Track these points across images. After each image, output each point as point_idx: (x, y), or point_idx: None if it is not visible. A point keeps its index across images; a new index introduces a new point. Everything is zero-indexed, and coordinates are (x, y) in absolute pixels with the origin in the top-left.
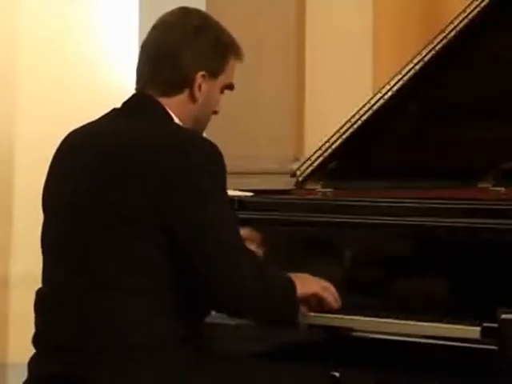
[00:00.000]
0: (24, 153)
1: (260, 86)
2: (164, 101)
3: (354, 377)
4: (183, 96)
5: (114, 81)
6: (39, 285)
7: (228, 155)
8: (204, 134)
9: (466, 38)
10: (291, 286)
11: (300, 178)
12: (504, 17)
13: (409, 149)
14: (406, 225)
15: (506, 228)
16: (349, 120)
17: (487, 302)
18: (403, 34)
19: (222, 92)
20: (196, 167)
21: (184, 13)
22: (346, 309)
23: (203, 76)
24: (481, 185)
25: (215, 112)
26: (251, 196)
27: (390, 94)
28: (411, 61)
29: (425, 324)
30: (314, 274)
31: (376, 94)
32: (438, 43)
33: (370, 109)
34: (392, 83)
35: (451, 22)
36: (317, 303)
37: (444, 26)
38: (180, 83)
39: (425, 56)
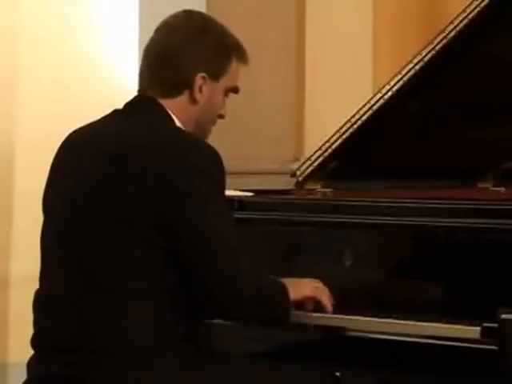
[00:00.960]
0: (24, 153)
1: (260, 86)
2: (165, 102)
3: (354, 377)
4: (184, 98)
5: (113, 81)
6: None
7: (228, 155)
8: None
9: (466, 38)
10: (284, 289)
11: (300, 178)
12: (504, 17)
13: (409, 149)
14: (406, 225)
15: (506, 228)
16: (349, 120)
17: (487, 302)
18: (403, 34)
19: (226, 95)
20: (196, 170)
21: (187, 15)
22: (345, 309)
23: (203, 77)
24: (481, 185)
25: (221, 116)
26: (251, 196)
27: (389, 94)
28: (411, 61)
29: (425, 324)
30: (314, 274)
31: (376, 94)
32: (438, 43)
33: (370, 109)
34: (392, 83)
35: (451, 22)
36: (313, 305)
37: (444, 26)
38: (180, 84)
39: (425, 56)
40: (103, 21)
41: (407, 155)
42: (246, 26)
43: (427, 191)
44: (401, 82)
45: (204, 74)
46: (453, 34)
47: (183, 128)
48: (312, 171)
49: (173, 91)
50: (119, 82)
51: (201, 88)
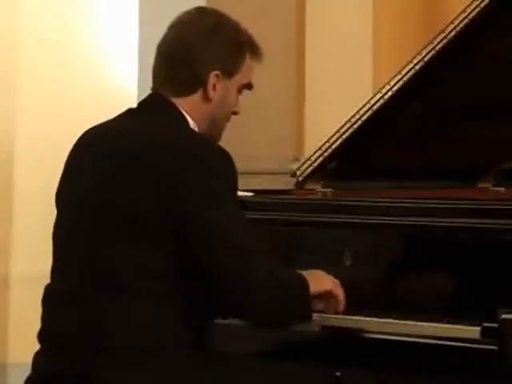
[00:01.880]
0: (24, 153)
1: (260, 86)
2: (178, 101)
3: (354, 377)
4: (197, 96)
5: (113, 81)
6: (39, 285)
7: None
8: None
9: (465, 38)
10: (304, 284)
11: (300, 178)
12: (504, 17)
13: (409, 149)
14: (406, 225)
15: (506, 228)
16: (349, 120)
17: (487, 302)
18: (403, 34)
19: (239, 92)
20: (207, 170)
21: (200, 12)
22: (346, 309)
23: (217, 75)
24: (481, 185)
25: (234, 112)
26: (251, 196)
27: (390, 94)
28: (411, 61)
29: (425, 324)
30: None
31: (376, 94)
32: (438, 43)
33: (370, 109)
34: (392, 83)
35: (451, 22)
36: (326, 302)
37: (444, 26)
38: (193, 83)
39: (425, 56)
40: (103, 21)
41: (407, 155)
42: (246, 25)
43: (427, 191)
44: (401, 82)
45: (218, 72)
46: (453, 34)
47: (197, 126)
48: (312, 171)
49: (186, 89)
50: (119, 82)
51: (214, 86)
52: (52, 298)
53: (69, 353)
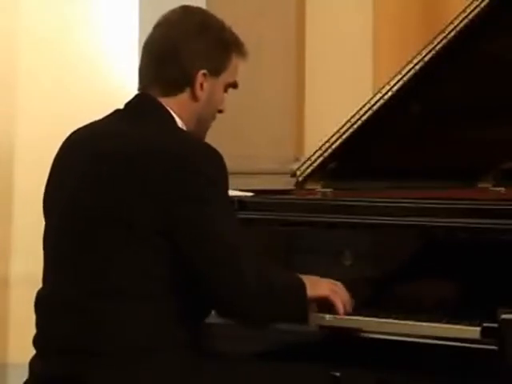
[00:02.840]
0: (24, 153)
1: (260, 86)
2: (166, 100)
3: (354, 377)
4: (185, 95)
5: (114, 81)
6: (39, 285)
7: (228, 155)
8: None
9: (466, 38)
10: (299, 285)
11: (300, 178)
12: (504, 17)
13: (409, 149)
14: (406, 225)
15: (506, 228)
16: (349, 120)
17: (487, 302)
18: (403, 34)
19: (225, 91)
20: (198, 172)
21: (186, 11)
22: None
23: (204, 74)
24: (481, 185)
25: (220, 111)
26: (251, 196)
27: (390, 94)
28: (411, 61)
29: (424, 324)
30: (314, 274)
31: (376, 94)
32: (438, 43)
33: (370, 109)
34: (392, 83)
35: (451, 22)
36: (327, 307)
37: (444, 26)
38: (181, 82)
39: (425, 56)
40: (103, 21)
41: (407, 155)
42: (246, 25)
43: (427, 191)
44: (401, 82)
45: (205, 71)
46: (453, 34)
47: (185, 125)
48: (312, 171)
49: (174, 89)
50: (119, 82)
51: (202, 85)
52: (44, 303)
53: (66, 356)
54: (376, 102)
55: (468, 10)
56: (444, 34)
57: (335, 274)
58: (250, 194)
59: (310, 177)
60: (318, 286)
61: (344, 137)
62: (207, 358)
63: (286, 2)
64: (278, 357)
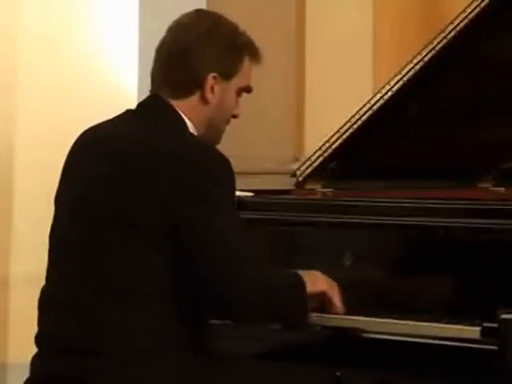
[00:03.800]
0: (24, 153)
1: (260, 86)
2: (176, 103)
3: (355, 377)
4: (195, 98)
5: (113, 81)
6: (39, 285)
7: (228, 155)
8: None
9: (466, 38)
10: (300, 286)
11: (300, 178)
12: (504, 17)
13: (409, 149)
14: (406, 225)
15: (506, 228)
16: (349, 120)
17: (487, 302)
18: (403, 34)
19: (238, 95)
20: (205, 175)
21: (198, 14)
22: (345, 309)
23: (215, 77)
24: (481, 185)
25: (234, 116)
26: (251, 196)
27: (389, 94)
28: (411, 61)
29: (425, 324)
30: None
31: (376, 94)
32: (438, 43)
33: (370, 109)
34: (392, 83)
35: (451, 23)
36: (321, 303)
37: (444, 27)
38: (191, 84)
39: (425, 56)
40: (103, 21)
41: (407, 155)
42: (246, 25)
43: (427, 191)
44: (401, 82)
45: (215, 74)
46: (453, 34)
47: (195, 128)
48: (312, 171)
49: (184, 92)
50: (119, 82)
51: (212, 88)
52: (48, 301)
53: (67, 356)
54: (376, 102)
55: (468, 10)
56: (444, 34)
57: (335, 273)
58: (250, 193)
59: (310, 177)
60: (315, 282)
61: (344, 137)
62: (208, 358)
63: (286, 2)
64: (278, 357)
